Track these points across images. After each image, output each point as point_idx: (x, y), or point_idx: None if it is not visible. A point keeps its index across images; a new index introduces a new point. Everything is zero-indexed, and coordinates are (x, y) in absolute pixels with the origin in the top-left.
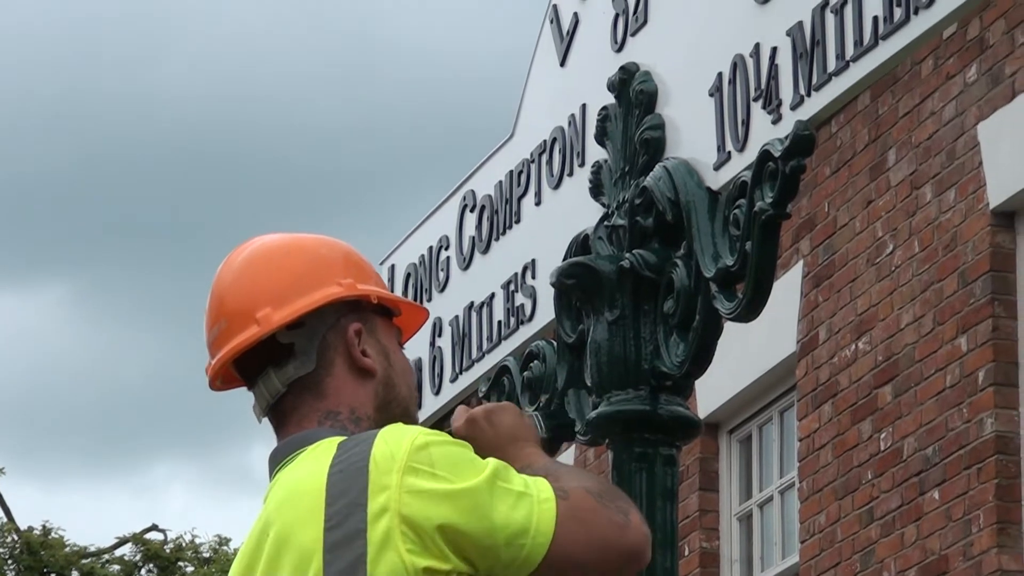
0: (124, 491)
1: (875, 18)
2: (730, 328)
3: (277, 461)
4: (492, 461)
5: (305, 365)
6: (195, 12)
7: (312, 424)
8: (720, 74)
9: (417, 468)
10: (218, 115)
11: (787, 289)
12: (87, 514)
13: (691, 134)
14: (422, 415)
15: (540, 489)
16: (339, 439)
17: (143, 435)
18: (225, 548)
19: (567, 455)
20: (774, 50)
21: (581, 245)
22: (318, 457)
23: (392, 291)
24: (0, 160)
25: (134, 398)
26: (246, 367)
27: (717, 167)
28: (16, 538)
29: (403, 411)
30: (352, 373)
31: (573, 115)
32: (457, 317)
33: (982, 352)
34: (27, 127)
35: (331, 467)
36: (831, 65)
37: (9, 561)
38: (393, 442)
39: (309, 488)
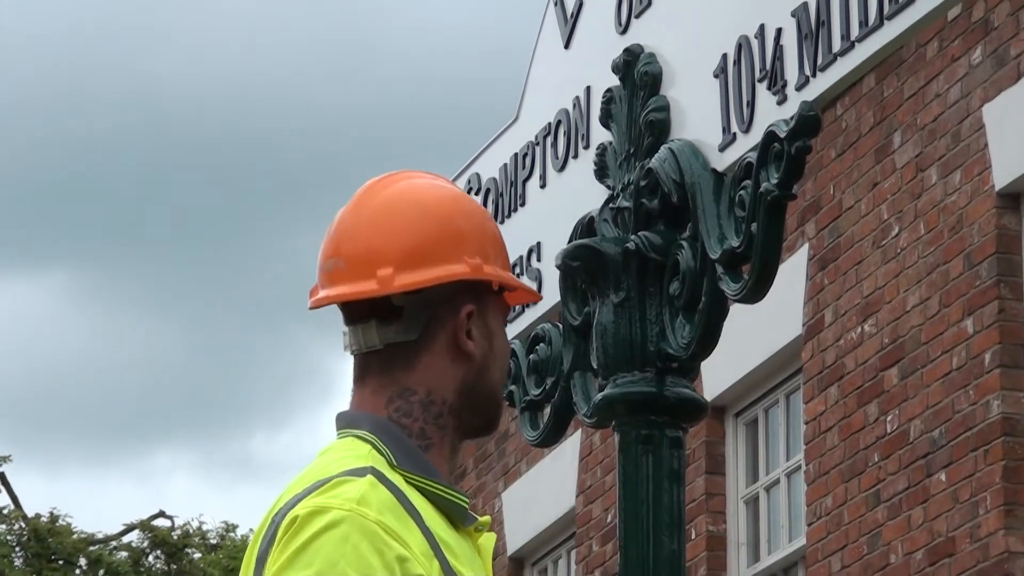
0: (128, 478)
1: None
2: (736, 311)
3: (337, 427)
4: None
5: (409, 332)
6: (194, 6)
7: (381, 401)
8: (725, 55)
9: (280, 538)
10: (218, 103)
11: (792, 272)
12: (92, 501)
13: (696, 115)
14: None
15: None
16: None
17: (146, 422)
18: (232, 534)
19: (573, 440)
20: (779, 31)
21: (586, 227)
22: (306, 477)
23: None
24: (1, 147)
25: (137, 385)
26: (351, 307)
27: (722, 148)
28: (24, 525)
29: (488, 396)
30: (450, 353)
31: (578, 97)
32: None
33: (988, 334)
34: (27, 119)
35: (276, 512)
36: (836, 46)
37: (17, 548)
38: (299, 507)
39: (262, 527)
